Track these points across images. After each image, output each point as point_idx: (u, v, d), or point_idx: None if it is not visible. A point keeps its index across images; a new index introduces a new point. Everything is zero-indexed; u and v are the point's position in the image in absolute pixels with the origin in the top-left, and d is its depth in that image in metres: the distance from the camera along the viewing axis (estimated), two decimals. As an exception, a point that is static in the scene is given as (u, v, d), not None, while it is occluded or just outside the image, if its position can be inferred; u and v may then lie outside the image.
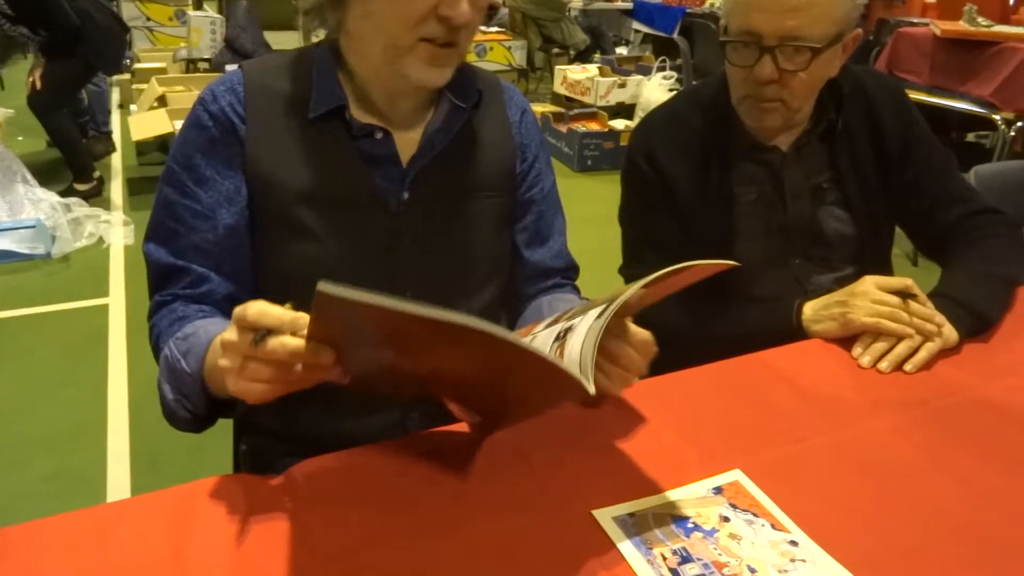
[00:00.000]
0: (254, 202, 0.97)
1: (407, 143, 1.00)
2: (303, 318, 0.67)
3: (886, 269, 1.32)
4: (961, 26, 3.73)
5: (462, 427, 0.88)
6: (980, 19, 3.73)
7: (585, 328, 0.71)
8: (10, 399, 2.33)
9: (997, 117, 3.56)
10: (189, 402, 0.86)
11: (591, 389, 0.63)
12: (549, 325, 0.82)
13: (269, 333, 0.67)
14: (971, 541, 0.74)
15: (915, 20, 4.72)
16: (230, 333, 0.71)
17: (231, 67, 4.56)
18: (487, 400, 0.82)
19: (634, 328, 0.83)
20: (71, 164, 3.96)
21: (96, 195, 3.99)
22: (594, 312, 0.73)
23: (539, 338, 0.79)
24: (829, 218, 1.26)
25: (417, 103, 1.00)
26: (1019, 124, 3.48)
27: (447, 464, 0.82)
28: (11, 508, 1.88)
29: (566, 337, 0.73)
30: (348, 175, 0.97)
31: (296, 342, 0.67)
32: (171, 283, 0.97)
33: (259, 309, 0.68)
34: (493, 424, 0.86)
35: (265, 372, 0.69)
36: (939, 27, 3.79)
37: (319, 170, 0.95)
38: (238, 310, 0.69)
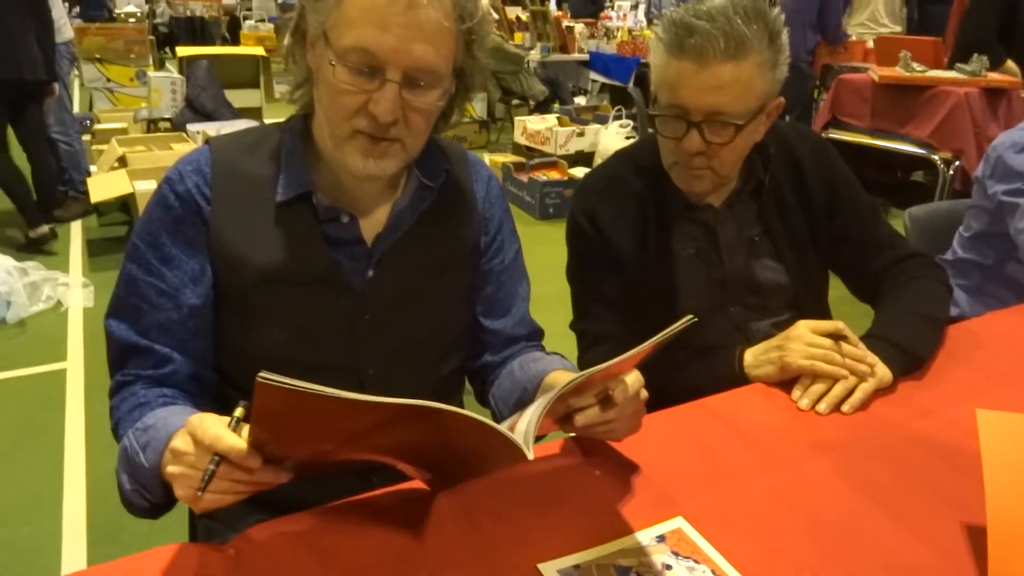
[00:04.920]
0: (218, 282, 0.98)
1: (373, 221, 1.02)
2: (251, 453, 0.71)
3: (823, 312, 1.38)
4: (897, 72, 3.91)
5: (416, 484, 0.90)
6: (915, 65, 3.91)
7: (535, 405, 0.78)
8: (-38, 471, 2.27)
9: (936, 157, 3.72)
10: (148, 492, 0.87)
11: (529, 455, 0.71)
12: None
13: (220, 460, 0.71)
14: (906, 574, 0.77)
15: (858, 65, 4.93)
16: (182, 442, 0.74)
17: (193, 126, 4.60)
18: (435, 462, 0.84)
19: (634, 377, 0.87)
20: (21, 210, 4.00)
21: (52, 238, 4.04)
22: (552, 393, 0.79)
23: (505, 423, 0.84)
24: (764, 269, 1.31)
25: (384, 183, 1.02)
26: (957, 163, 3.64)
27: (397, 524, 0.83)
28: (-39, 585, 1.83)
29: (522, 414, 0.80)
30: (312, 257, 0.98)
31: (246, 473, 0.72)
32: (133, 362, 0.97)
33: (215, 433, 0.71)
34: (444, 480, 0.88)
35: (217, 486, 0.72)
36: (877, 73, 3.97)
37: (283, 252, 0.96)
38: (194, 422, 0.73)
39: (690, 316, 0.84)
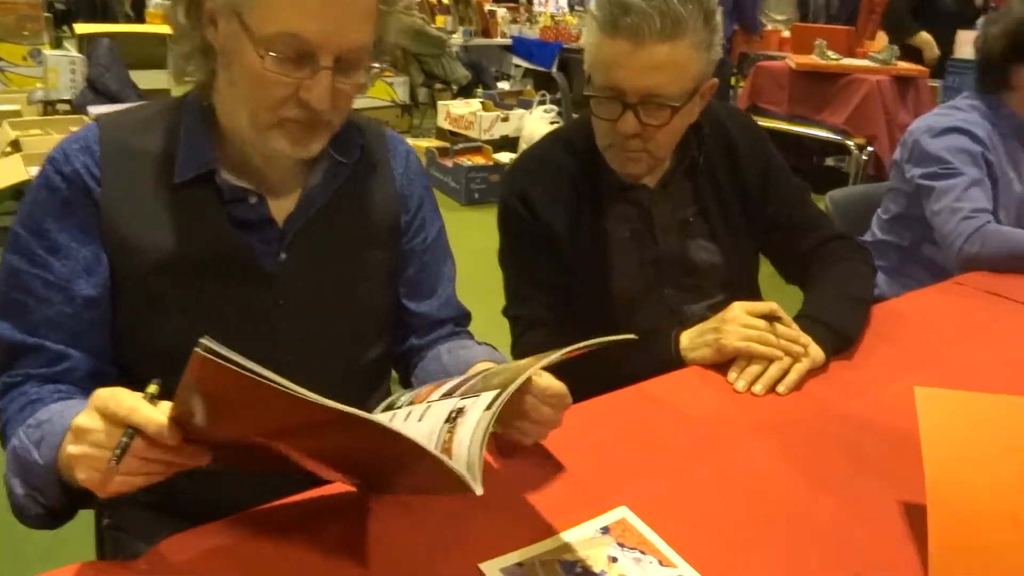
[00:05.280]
0: (114, 271, 0.90)
1: (284, 201, 0.96)
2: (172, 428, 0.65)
3: (755, 294, 1.38)
4: (813, 59, 4.03)
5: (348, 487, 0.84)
6: (830, 53, 4.04)
7: (475, 418, 0.70)
8: None
9: (851, 143, 3.85)
10: (42, 496, 0.78)
11: (478, 490, 0.63)
12: (445, 395, 0.80)
13: (135, 434, 0.64)
14: (848, 554, 0.77)
15: (773, 54, 5.06)
16: (87, 419, 0.67)
17: (95, 108, 4.34)
18: (369, 473, 0.79)
19: (546, 383, 0.83)
20: None
21: None
22: (487, 397, 0.72)
23: (433, 409, 0.77)
24: (698, 250, 1.31)
25: (296, 162, 0.95)
26: (870, 149, 3.78)
27: (329, 528, 0.78)
28: None
29: (457, 420, 0.72)
30: (217, 241, 0.91)
31: (162, 451, 0.66)
32: (22, 362, 0.88)
33: (130, 405, 0.65)
34: (375, 489, 0.83)
35: (128, 465, 0.66)
36: (794, 61, 4.08)
37: (185, 237, 0.89)
38: (103, 394, 0.67)
39: (632, 336, 0.83)
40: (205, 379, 0.58)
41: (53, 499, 0.78)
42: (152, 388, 0.68)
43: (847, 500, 0.85)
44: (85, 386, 0.89)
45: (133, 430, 0.64)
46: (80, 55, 4.91)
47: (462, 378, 0.84)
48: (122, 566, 0.72)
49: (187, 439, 0.66)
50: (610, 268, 1.28)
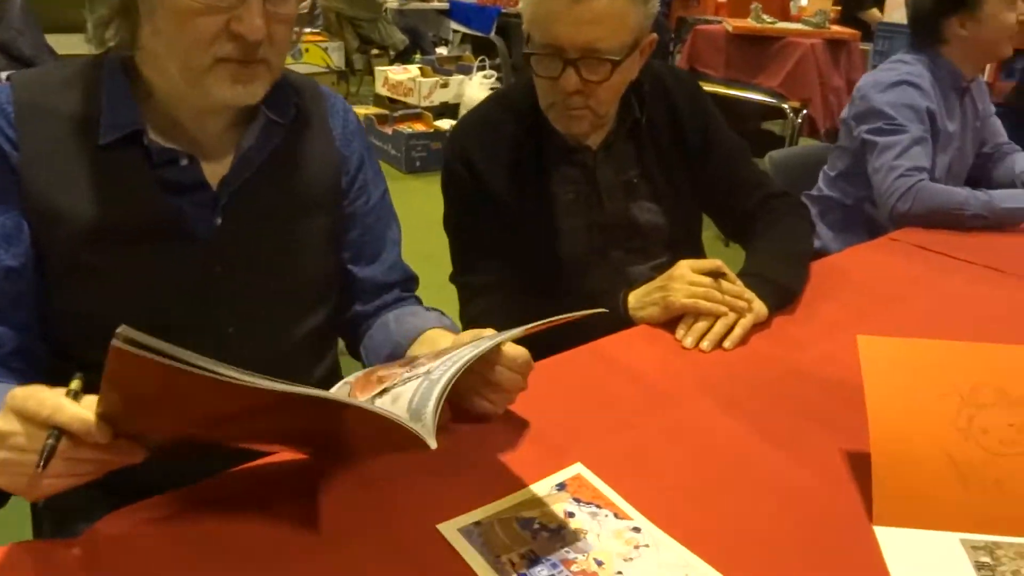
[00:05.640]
0: (37, 241, 0.85)
1: (218, 163, 0.91)
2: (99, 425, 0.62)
3: (698, 253, 1.40)
4: (749, 23, 4.07)
5: (299, 455, 0.82)
6: (765, 16, 4.09)
7: (440, 380, 0.71)
8: None
9: (785, 106, 3.92)
10: None
11: (432, 443, 0.64)
12: (408, 369, 0.78)
13: (60, 434, 0.61)
14: (796, 501, 0.79)
15: (710, 18, 5.09)
16: (4, 422, 0.63)
17: (5, 75, 4.10)
18: (320, 445, 0.78)
19: (514, 352, 0.85)
20: None
21: None
22: (450, 362, 0.73)
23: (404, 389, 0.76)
24: (642, 211, 1.32)
25: (228, 121, 0.91)
26: (804, 112, 3.85)
27: (283, 493, 0.76)
28: None
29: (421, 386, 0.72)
30: (147, 206, 0.86)
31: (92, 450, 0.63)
32: None
33: (53, 404, 0.62)
34: (328, 458, 0.81)
35: (55, 468, 0.63)
36: (731, 24, 4.12)
37: (112, 202, 0.85)
38: (20, 395, 0.63)
39: (602, 309, 0.88)
40: (127, 373, 0.55)
41: None
42: (75, 384, 0.65)
43: (793, 449, 0.87)
44: (12, 364, 0.85)
45: (58, 431, 0.61)
46: (-10, 18, 4.61)
47: (425, 355, 0.83)
48: (55, 545, 0.69)
49: (118, 434, 0.64)
50: (556, 231, 1.28)
